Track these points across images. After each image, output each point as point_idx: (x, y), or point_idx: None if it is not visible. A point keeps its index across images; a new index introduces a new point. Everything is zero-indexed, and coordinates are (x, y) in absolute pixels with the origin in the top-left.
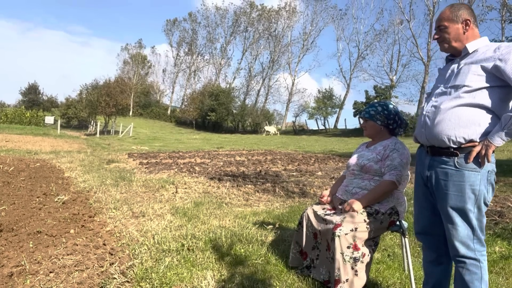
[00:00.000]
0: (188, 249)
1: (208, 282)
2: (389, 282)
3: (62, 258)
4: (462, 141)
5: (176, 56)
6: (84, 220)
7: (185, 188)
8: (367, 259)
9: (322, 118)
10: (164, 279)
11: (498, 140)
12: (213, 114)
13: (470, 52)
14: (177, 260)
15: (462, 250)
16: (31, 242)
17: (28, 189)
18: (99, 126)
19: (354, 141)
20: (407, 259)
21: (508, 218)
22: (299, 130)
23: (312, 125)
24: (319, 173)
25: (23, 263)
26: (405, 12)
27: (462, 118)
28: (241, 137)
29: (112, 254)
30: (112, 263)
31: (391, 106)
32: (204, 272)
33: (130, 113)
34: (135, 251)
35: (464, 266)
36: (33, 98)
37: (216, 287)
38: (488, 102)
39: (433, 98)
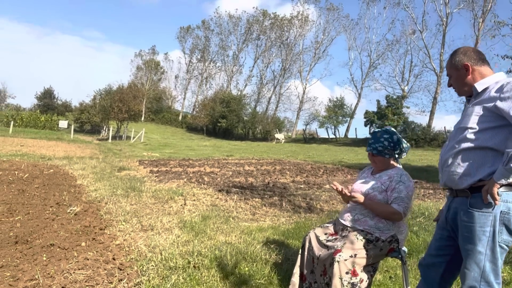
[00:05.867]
0: (194, 266)
1: None
2: None
3: (73, 272)
4: (471, 182)
5: (189, 63)
6: (95, 233)
7: (194, 200)
8: (364, 284)
9: (333, 127)
10: None
11: (500, 177)
12: (224, 120)
13: (480, 91)
14: (183, 278)
15: None
16: (44, 255)
17: (42, 197)
18: (111, 131)
19: (364, 151)
20: (406, 285)
21: None
22: (309, 138)
23: (322, 133)
24: (327, 186)
25: (37, 277)
26: (418, 22)
27: (471, 161)
28: (251, 145)
29: (121, 270)
30: (121, 280)
31: (395, 136)
32: None
33: (142, 118)
34: (143, 267)
35: None
36: (48, 103)
37: None
38: (493, 143)
39: (448, 140)
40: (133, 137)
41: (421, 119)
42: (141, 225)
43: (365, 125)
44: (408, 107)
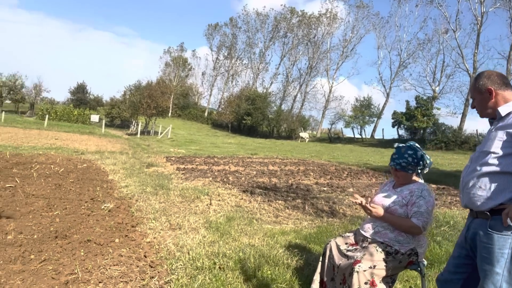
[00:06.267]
0: (219, 267)
1: None
2: None
3: (109, 268)
4: (492, 205)
5: (216, 60)
6: (127, 230)
7: (219, 200)
8: None
9: (359, 126)
10: None
11: None
12: (249, 118)
13: (503, 115)
14: (209, 279)
15: None
16: (82, 251)
17: (77, 192)
18: (140, 126)
19: (391, 153)
20: None
21: None
22: (334, 138)
23: (348, 132)
24: (351, 189)
25: (76, 271)
26: (451, 21)
27: (492, 184)
28: (275, 143)
29: (152, 267)
30: (152, 277)
31: (419, 152)
32: None
33: (169, 114)
34: (172, 266)
35: None
36: (81, 97)
37: None
38: None
39: (469, 162)
40: (161, 133)
41: (452, 121)
42: (169, 224)
43: (393, 126)
44: (438, 108)
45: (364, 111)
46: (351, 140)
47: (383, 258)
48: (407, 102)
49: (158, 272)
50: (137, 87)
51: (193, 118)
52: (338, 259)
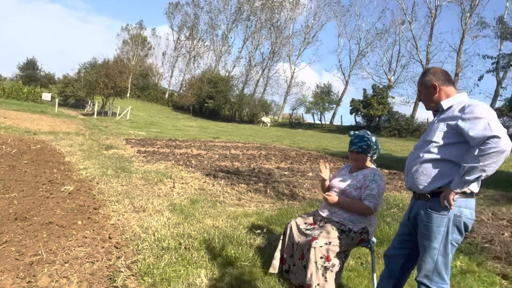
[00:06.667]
0: (185, 248)
1: (202, 280)
2: None
3: (74, 249)
4: (432, 188)
5: (177, 40)
6: (90, 212)
7: (182, 183)
8: (336, 268)
9: (319, 113)
10: (164, 275)
11: (456, 186)
12: (211, 101)
13: (445, 108)
14: (175, 258)
15: (423, 278)
16: (44, 232)
17: (33, 174)
18: (97, 107)
19: (348, 139)
20: (373, 271)
21: (477, 233)
22: (295, 123)
23: (308, 118)
24: (310, 173)
25: (40, 252)
26: (407, 13)
27: (433, 170)
28: (237, 127)
29: (117, 248)
30: (119, 257)
31: (374, 138)
32: (198, 271)
33: (128, 94)
34: (138, 246)
35: None
36: (30, 74)
37: (209, 285)
38: (454, 156)
39: (414, 149)
40: (119, 114)
41: (406, 110)
42: (133, 206)
43: (351, 113)
44: (393, 97)
45: (324, 97)
46: (311, 126)
47: (337, 236)
48: (364, 90)
49: (124, 253)
50: (93, 65)
51: (153, 99)
52: (298, 237)
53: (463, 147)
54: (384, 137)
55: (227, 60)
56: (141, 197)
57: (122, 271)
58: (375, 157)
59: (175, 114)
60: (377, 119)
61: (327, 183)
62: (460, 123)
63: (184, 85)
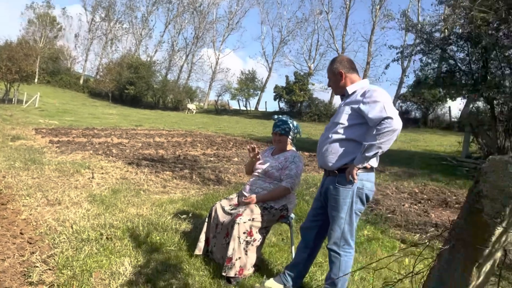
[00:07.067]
0: (107, 238)
1: (126, 267)
2: (278, 262)
3: None
4: (339, 165)
5: (91, 21)
6: None
7: (102, 173)
8: (257, 243)
9: (244, 99)
10: (84, 266)
11: (358, 162)
12: (132, 87)
13: (350, 93)
14: (96, 249)
15: (332, 245)
16: None
17: None
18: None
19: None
20: (292, 244)
21: (382, 205)
22: (221, 110)
23: (234, 105)
24: (236, 159)
25: None
26: (324, 3)
27: (340, 149)
28: (161, 114)
29: (31, 243)
30: (33, 252)
31: (295, 122)
32: (122, 259)
33: (36, 80)
34: (54, 240)
35: (330, 255)
36: None
37: (133, 272)
38: (357, 136)
39: (324, 131)
40: (26, 101)
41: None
42: (46, 200)
43: (274, 99)
44: (313, 84)
45: (249, 84)
46: (237, 112)
47: (260, 213)
48: (287, 77)
49: (39, 247)
50: None
51: (66, 85)
52: (222, 217)
53: (364, 127)
54: (306, 122)
55: (148, 45)
56: (56, 189)
57: (37, 266)
58: (295, 141)
59: (92, 101)
60: (299, 105)
61: (259, 156)
62: (361, 106)
63: (101, 70)
